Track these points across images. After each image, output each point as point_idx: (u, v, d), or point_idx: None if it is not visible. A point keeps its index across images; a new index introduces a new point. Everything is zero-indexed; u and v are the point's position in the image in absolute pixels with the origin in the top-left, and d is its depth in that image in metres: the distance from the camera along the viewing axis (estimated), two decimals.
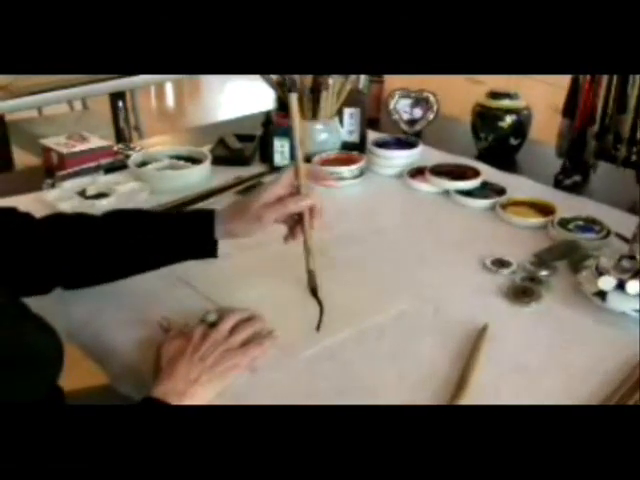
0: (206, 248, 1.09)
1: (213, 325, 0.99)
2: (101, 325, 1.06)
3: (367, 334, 1.03)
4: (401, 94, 1.84)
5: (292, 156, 1.59)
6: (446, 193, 1.49)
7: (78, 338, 1.07)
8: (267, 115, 1.69)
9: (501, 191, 1.46)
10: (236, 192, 1.48)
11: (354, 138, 1.71)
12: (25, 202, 1.31)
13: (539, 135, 1.80)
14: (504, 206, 1.40)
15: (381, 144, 1.64)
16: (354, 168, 1.55)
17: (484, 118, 1.70)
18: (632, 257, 1.07)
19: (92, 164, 1.59)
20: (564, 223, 1.31)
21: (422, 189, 1.52)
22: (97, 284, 1.10)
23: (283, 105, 1.59)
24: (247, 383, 0.93)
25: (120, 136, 2.86)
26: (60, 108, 3.26)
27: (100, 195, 1.46)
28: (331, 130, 1.65)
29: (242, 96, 5.05)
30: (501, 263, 1.20)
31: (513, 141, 1.69)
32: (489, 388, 0.92)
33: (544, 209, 1.39)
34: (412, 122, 1.83)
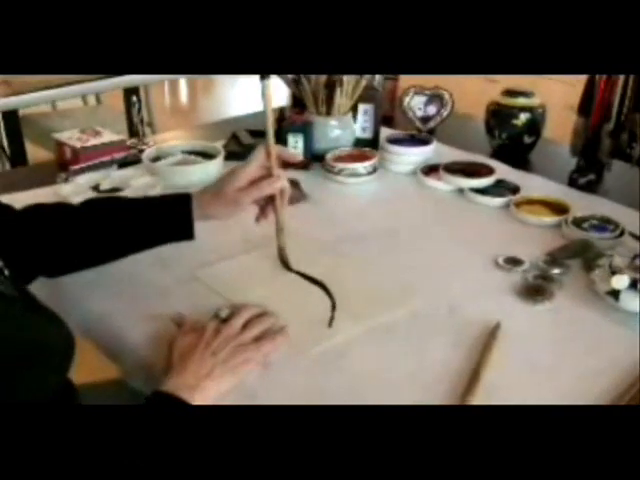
0: (184, 230, 1.11)
1: (225, 321, 0.99)
2: (114, 320, 1.07)
3: (379, 332, 1.03)
4: (415, 91, 1.84)
5: (306, 152, 1.59)
6: (460, 191, 1.49)
7: (92, 333, 1.08)
8: (281, 111, 1.70)
9: (515, 189, 1.46)
10: None
11: (368, 135, 1.72)
12: (39, 196, 1.32)
13: (553, 133, 1.80)
14: (518, 204, 1.40)
15: (394, 141, 1.64)
16: (367, 165, 1.55)
17: (498, 116, 1.70)
18: None
19: (106, 159, 1.60)
20: (578, 222, 1.31)
21: (435, 187, 1.52)
22: (78, 270, 1.11)
23: (297, 101, 1.60)
24: (257, 379, 0.94)
25: (133, 131, 2.87)
26: (74, 102, 3.28)
27: (114, 190, 1.47)
28: (345, 126, 1.66)
29: (255, 92, 5.06)
30: (514, 261, 1.20)
31: (527, 139, 1.69)
32: (500, 386, 0.92)
33: (558, 208, 1.39)
34: (426, 119, 1.83)
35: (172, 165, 1.56)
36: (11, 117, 2.95)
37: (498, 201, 1.43)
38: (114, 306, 1.09)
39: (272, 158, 1.11)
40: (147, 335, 1.02)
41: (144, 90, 3.06)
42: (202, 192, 1.12)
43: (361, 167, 1.55)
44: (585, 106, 1.54)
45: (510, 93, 1.69)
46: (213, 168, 1.54)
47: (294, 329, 1.02)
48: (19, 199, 1.15)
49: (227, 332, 0.96)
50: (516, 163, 1.61)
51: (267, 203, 1.14)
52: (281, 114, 1.69)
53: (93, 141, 1.60)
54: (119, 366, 1.04)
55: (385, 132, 1.72)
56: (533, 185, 1.49)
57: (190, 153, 1.62)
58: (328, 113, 1.63)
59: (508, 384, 0.93)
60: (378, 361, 0.98)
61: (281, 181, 1.11)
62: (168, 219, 1.11)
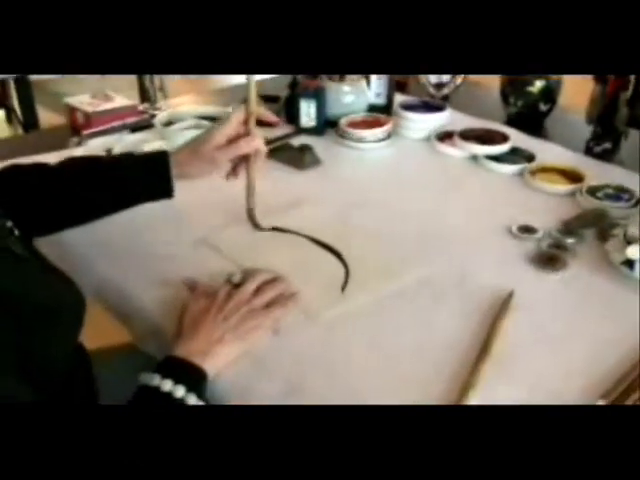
0: (163, 189, 1.12)
1: (238, 286, 0.99)
2: (126, 284, 1.07)
3: (390, 299, 1.03)
4: None
5: (319, 117, 1.58)
6: (474, 158, 1.48)
7: (102, 297, 1.09)
8: (293, 77, 1.68)
9: (530, 157, 1.45)
10: None
11: (381, 101, 1.70)
12: (52, 160, 1.31)
13: (569, 101, 1.78)
14: (533, 172, 1.39)
15: (408, 107, 1.62)
16: (381, 131, 1.54)
17: (514, 83, 1.68)
18: None
19: (118, 123, 1.59)
20: (593, 191, 1.29)
21: (450, 153, 1.51)
22: (59, 230, 1.13)
23: None
24: (268, 345, 0.94)
25: (145, 96, 2.86)
26: None
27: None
28: (358, 92, 1.64)
29: None
30: (528, 230, 1.19)
31: (543, 107, 1.68)
32: (512, 355, 0.91)
33: (573, 176, 1.37)
34: (440, 85, 1.81)
35: (184, 130, 1.55)
36: (23, 82, 2.95)
37: (512, 169, 1.42)
38: (124, 270, 1.10)
39: (252, 118, 1.13)
40: (158, 300, 1.02)
41: None
42: (179, 151, 1.13)
43: (374, 133, 1.54)
44: None
45: None
46: None
47: (305, 295, 1.02)
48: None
49: (239, 297, 0.96)
50: (531, 131, 1.59)
51: (240, 162, 1.16)
52: (294, 80, 1.68)
53: (105, 106, 1.59)
54: (130, 330, 1.04)
55: (399, 98, 1.71)
56: (548, 153, 1.48)
57: (202, 118, 1.61)
58: (341, 79, 1.62)
59: (520, 353, 0.92)
60: (389, 328, 0.97)
61: (258, 140, 1.13)
62: (147, 178, 1.12)
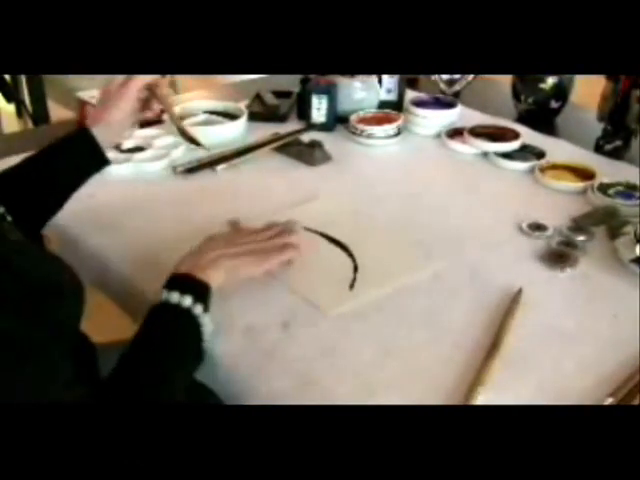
0: (99, 159, 1.16)
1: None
2: (131, 273, 1.08)
3: (400, 295, 1.03)
4: None
5: (330, 113, 1.58)
6: (484, 155, 1.48)
7: (110, 288, 1.10)
8: None
9: (540, 154, 1.44)
10: (273, 149, 1.49)
11: (392, 97, 1.70)
12: None
13: (581, 99, 1.77)
14: (543, 169, 1.39)
15: (419, 103, 1.62)
16: (391, 127, 1.54)
17: (525, 80, 1.68)
18: None
19: None
20: (604, 188, 1.29)
21: (460, 150, 1.51)
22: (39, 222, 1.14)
23: None
24: (277, 338, 0.94)
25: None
26: None
27: (136, 149, 1.47)
28: (369, 88, 1.64)
29: None
30: (538, 227, 1.19)
31: (554, 104, 1.67)
32: (522, 352, 0.92)
33: (584, 174, 1.37)
34: (451, 82, 1.81)
35: (195, 125, 1.56)
36: (34, 76, 2.95)
37: (523, 166, 1.42)
38: (132, 262, 1.10)
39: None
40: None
41: None
42: (91, 118, 1.17)
43: (385, 129, 1.54)
44: None
45: None
46: (236, 129, 1.54)
47: (315, 290, 1.02)
48: None
49: (249, 237, 1.03)
50: (542, 128, 1.59)
51: (150, 96, 1.20)
52: (305, 75, 1.68)
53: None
54: (136, 321, 1.04)
55: (410, 94, 1.70)
56: (559, 150, 1.47)
57: (213, 113, 1.62)
58: (352, 75, 1.62)
59: (529, 350, 0.92)
60: (399, 324, 0.98)
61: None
62: (82, 156, 1.15)
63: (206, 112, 1.62)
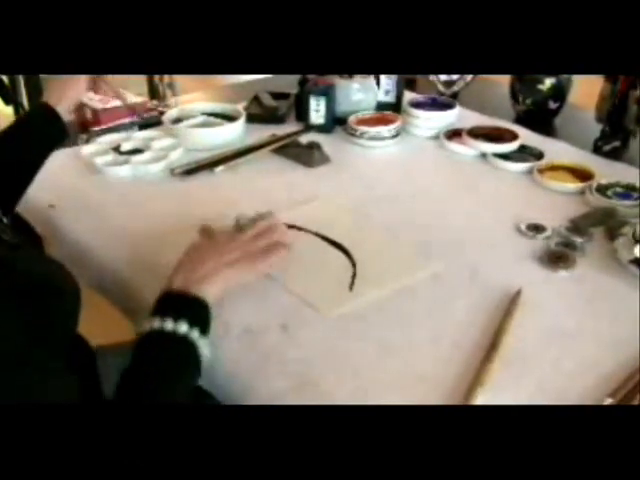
0: (61, 133, 1.21)
1: (241, 229, 1.02)
2: (130, 276, 1.08)
3: (400, 296, 1.03)
4: None
5: (328, 115, 1.58)
6: (483, 156, 1.48)
7: (108, 289, 1.10)
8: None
9: (539, 155, 1.44)
10: (271, 150, 1.49)
11: (390, 98, 1.70)
12: (60, 157, 1.32)
13: (579, 99, 1.78)
14: (542, 170, 1.39)
15: (417, 105, 1.62)
16: (389, 128, 1.54)
17: (523, 80, 1.68)
18: None
19: (126, 120, 1.60)
20: (602, 189, 1.29)
21: (459, 151, 1.51)
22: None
23: None
24: (276, 339, 0.94)
25: (154, 93, 2.86)
26: None
27: (135, 151, 1.47)
28: (367, 89, 1.64)
29: None
30: (536, 228, 1.19)
31: (552, 105, 1.67)
32: (520, 353, 0.92)
33: (582, 174, 1.37)
34: (449, 83, 1.81)
35: (193, 127, 1.56)
36: (32, 78, 2.95)
37: (521, 166, 1.42)
38: (130, 263, 1.10)
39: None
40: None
41: None
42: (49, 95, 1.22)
43: (383, 131, 1.54)
44: None
45: None
46: (234, 130, 1.54)
47: (314, 291, 1.02)
48: None
49: (238, 240, 0.98)
50: (541, 129, 1.59)
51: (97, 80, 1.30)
52: (303, 77, 1.68)
53: (114, 102, 1.60)
54: (135, 324, 1.04)
55: (408, 96, 1.71)
56: (557, 151, 1.47)
57: (211, 115, 1.62)
58: (351, 76, 1.62)
59: (528, 351, 0.92)
60: (398, 325, 0.97)
61: None
62: (46, 129, 1.20)
63: (204, 114, 1.62)
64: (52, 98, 1.21)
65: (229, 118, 1.59)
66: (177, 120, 1.58)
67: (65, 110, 1.21)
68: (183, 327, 0.83)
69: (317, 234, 1.17)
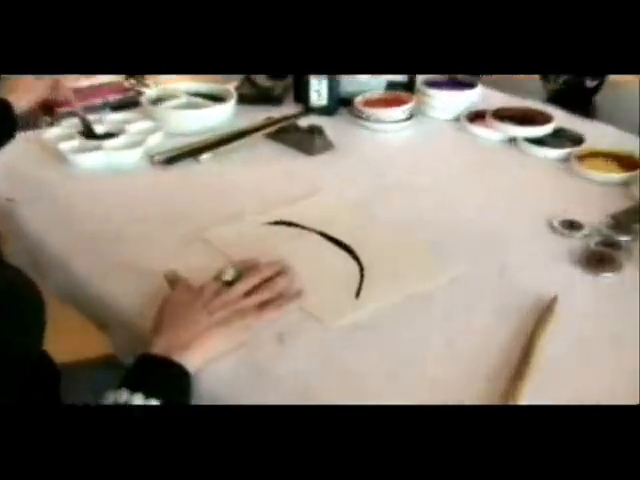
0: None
1: (230, 284, 0.98)
2: (104, 285, 1.06)
3: (414, 302, 1.01)
4: None
5: (330, 96, 1.58)
6: (512, 141, 1.47)
7: (77, 299, 1.08)
8: None
9: (577, 140, 1.43)
10: (266, 135, 1.49)
11: (402, 77, 1.69)
12: (20, 143, 1.31)
13: (621, 76, 1.76)
14: (580, 158, 1.37)
15: (433, 84, 1.63)
16: (402, 110, 1.54)
17: None
18: None
19: (98, 101, 1.59)
20: None
21: (483, 135, 1.50)
22: None
23: None
24: (273, 353, 0.93)
25: None
26: None
27: (107, 135, 1.46)
28: None
29: None
30: (571, 225, 1.17)
31: (589, 83, 1.66)
32: (554, 368, 0.90)
33: (627, 163, 1.35)
34: None
35: (175, 109, 1.55)
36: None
37: (557, 153, 1.41)
38: (103, 270, 1.08)
39: None
40: (142, 303, 1.01)
41: None
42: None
43: (395, 113, 1.54)
44: None
45: None
46: (222, 113, 1.53)
47: (314, 299, 1.01)
48: None
49: (228, 297, 0.95)
50: (578, 109, 1.57)
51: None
52: None
53: (85, 81, 1.58)
54: (109, 338, 1.04)
55: None
56: (599, 135, 1.46)
57: (197, 95, 1.61)
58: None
59: (563, 366, 0.90)
60: (411, 337, 0.96)
61: None
62: None
63: (189, 94, 1.61)
64: (10, 97, 1.25)
65: (217, 99, 1.59)
66: (157, 100, 1.57)
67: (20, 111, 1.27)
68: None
69: (319, 232, 1.16)
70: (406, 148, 1.50)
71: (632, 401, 0.85)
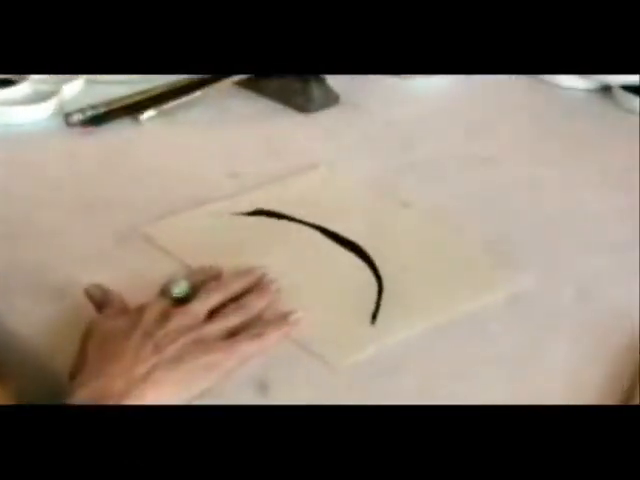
0: None
1: (182, 302, 0.98)
2: (5, 305, 1.06)
3: (456, 330, 1.02)
4: None
5: None
6: (605, 90, 1.50)
7: None
8: None
9: None
10: (237, 83, 1.50)
11: None
12: None
13: None
14: None
15: None
16: None
17: None
18: None
19: None
20: None
21: (561, 83, 1.53)
22: None
23: None
24: (256, 396, 0.93)
25: None
26: None
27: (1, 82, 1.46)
28: None
29: None
30: None
31: None
32: None
33: None
34: None
35: None
36: None
37: None
38: (6, 282, 1.09)
39: None
40: (53, 331, 1.02)
41: None
42: None
43: None
44: None
45: None
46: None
47: (311, 327, 1.00)
48: None
49: (180, 321, 0.95)
50: None
51: None
52: None
53: None
54: (4, 390, 1.04)
55: None
56: None
57: None
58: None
59: None
60: (452, 379, 0.96)
61: None
62: None
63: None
64: None
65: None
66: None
67: None
68: None
69: (317, 227, 1.17)
70: (440, 102, 1.52)
71: None
